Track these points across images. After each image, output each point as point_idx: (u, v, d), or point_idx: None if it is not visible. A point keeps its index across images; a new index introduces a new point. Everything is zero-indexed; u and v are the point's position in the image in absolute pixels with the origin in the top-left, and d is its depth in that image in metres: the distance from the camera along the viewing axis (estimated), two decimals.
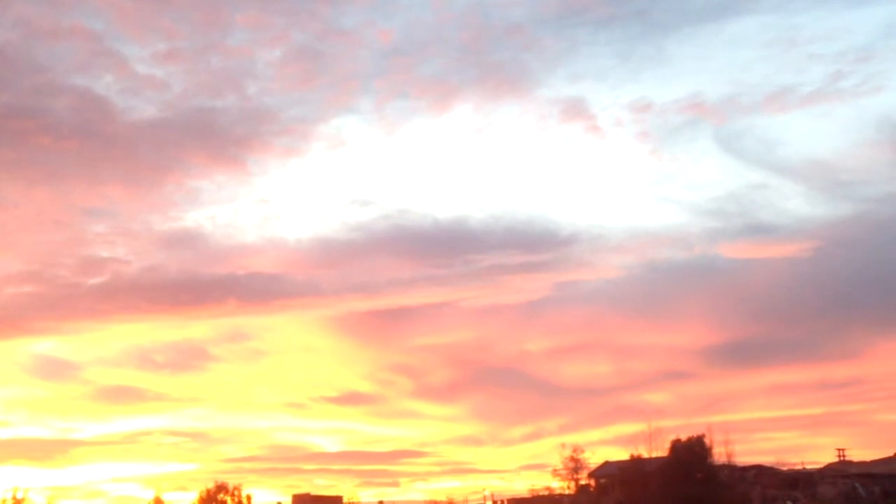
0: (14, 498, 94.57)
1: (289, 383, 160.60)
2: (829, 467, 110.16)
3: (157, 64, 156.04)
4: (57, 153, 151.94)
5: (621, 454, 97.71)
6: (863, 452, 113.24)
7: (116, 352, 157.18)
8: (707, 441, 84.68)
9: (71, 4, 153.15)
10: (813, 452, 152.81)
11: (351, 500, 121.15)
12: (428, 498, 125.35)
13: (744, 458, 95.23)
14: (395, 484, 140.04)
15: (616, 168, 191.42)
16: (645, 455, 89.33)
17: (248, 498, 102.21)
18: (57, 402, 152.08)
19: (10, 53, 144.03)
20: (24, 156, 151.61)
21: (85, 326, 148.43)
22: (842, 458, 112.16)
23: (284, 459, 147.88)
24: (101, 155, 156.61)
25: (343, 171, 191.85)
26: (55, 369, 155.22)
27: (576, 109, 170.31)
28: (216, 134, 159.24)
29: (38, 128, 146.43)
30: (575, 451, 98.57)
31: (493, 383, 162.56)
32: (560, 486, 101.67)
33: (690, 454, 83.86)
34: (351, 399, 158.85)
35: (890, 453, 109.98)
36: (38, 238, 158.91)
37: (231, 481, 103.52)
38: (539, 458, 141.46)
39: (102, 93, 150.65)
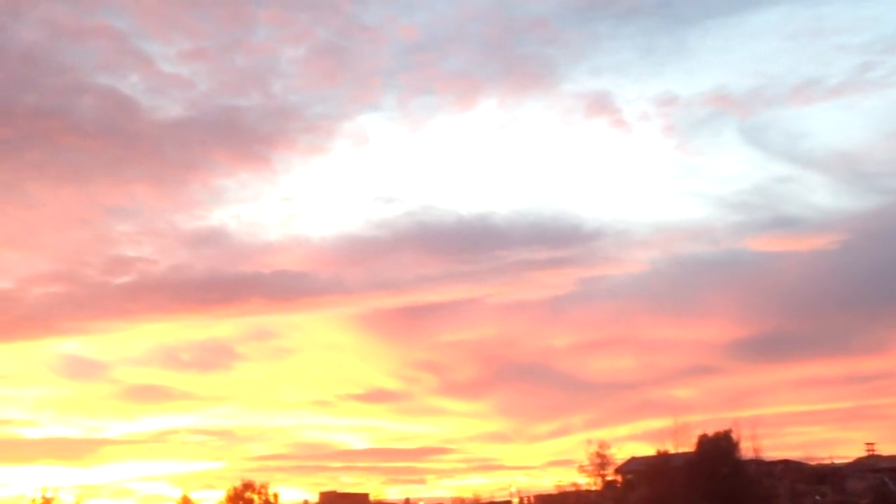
0: (43, 497, 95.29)
1: (315, 381, 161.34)
2: (858, 462, 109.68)
3: (181, 62, 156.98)
4: (83, 152, 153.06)
5: (648, 450, 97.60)
6: (892, 446, 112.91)
7: (143, 351, 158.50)
8: (734, 436, 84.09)
9: (96, 4, 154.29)
10: (841, 447, 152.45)
11: (377, 498, 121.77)
12: (454, 495, 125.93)
13: (771, 452, 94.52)
14: (422, 481, 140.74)
15: (641, 162, 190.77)
16: (671, 450, 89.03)
17: (275, 496, 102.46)
18: (85, 401, 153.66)
19: (36, 53, 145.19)
20: (50, 155, 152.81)
21: (112, 326, 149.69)
22: (871, 453, 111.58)
23: (311, 457, 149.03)
24: (126, 154, 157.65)
25: (367, 168, 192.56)
26: (83, 369, 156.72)
27: (601, 104, 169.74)
28: (241, 132, 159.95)
29: (63, 127, 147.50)
30: (601, 446, 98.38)
31: (519, 379, 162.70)
32: (586, 482, 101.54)
33: (717, 449, 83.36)
34: (377, 396, 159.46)
35: None
36: (64, 237, 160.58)
37: (258, 479, 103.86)
38: (565, 455, 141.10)
39: (128, 92, 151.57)
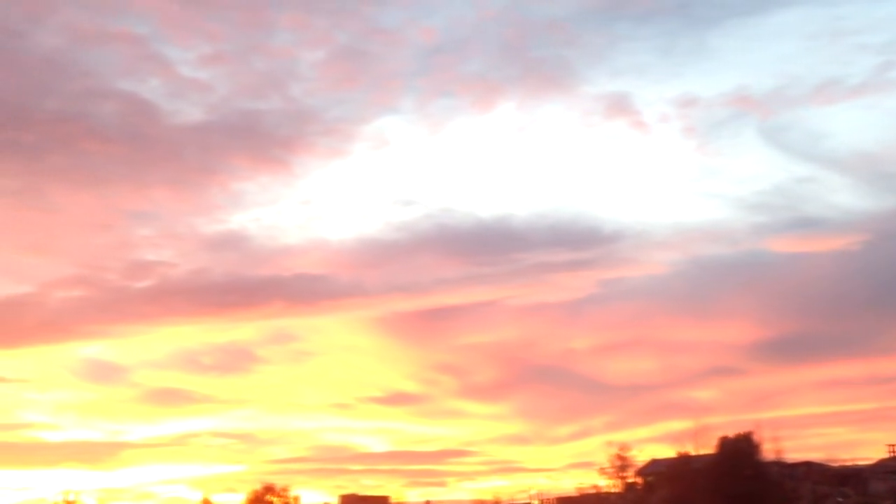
0: (66, 500, 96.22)
1: (334, 384, 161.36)
2: (881, 463, 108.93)
3: (201, 67, 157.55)
4: (104, 157, 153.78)
5: (668, 452, 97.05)
6: None
7: (164, 354, 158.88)
8: (755, 437, 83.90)
9: (116, 9, 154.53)
10: (863, 448, 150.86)
11: (398, 501, 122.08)
12: (475, 497, 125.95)
13: (793, 454, 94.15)
14: (442, 484, 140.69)
15: (661, 163, 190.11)
16: (692, 452, 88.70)
17: (296, 499, 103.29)
18: (106, 404, 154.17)
19: (58, 59, 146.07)
20: (71, 160, 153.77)
21: (133, 329, 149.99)
22: (893, 454, 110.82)
23: (331, 460, 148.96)
24: (146, 158, 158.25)
25: (386, 170, 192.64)
26: (104, 372, 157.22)
27: (620, 105, 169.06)
28: (260, 135, 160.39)
29: (85, 132, 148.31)
30: (622, 449, 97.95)
31: (539, 381, 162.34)
32: (607, 484, 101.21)
33: (738, 451, 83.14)
34: (397, 399, 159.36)
35: None
36: (86, 242, 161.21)
37: (279, 482, 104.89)
38: (586, 457, 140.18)
39: (148, 96, 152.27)
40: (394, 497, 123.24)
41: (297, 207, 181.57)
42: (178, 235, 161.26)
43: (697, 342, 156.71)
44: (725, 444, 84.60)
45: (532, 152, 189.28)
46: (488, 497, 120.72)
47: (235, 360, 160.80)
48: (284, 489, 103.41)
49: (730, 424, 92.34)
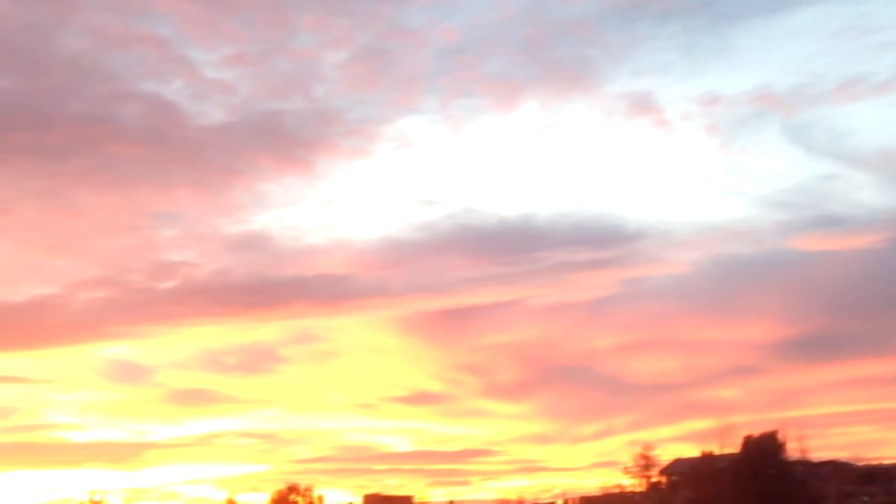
0: (91, 500, 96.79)
1: (358, 384, 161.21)
2: None
3: (224, 68, 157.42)
4: (128, 159, 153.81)
5: (692, 451, 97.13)
6: None
7: (188, 355, 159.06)
8: (780, 436, 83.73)
9: (140, 11, 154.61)
10: (889, 447, 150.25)
11: (421, 500, 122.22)
12: (498, 497, 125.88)
13: (818, 453, 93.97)
14: (466, 483, 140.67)
15: (684, 162, 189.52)
16: (716, 451, 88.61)
17: (320, 498, 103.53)
18: (131, 405, 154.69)
19: (82, 62, 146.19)
20: (96, 162, 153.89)
21: (157, 330, 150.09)
22: None
23: (355, 460, 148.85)
24: (170, 159, 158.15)
25: (409, 170, 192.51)
26: (129, 373, 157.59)
27: (643, 104, 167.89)
28: (283, 136, 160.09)
29: (109, 134, 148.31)
30: (645, 448, 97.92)
31: (562, 381, 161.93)
32: (631, 483, 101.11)
33: (763, 450, 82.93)
34: (420, 399, 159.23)
35: None
36: (110, 243, 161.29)
37: (302, 482, 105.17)
38: (609, 456, 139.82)
39: (171, 98, 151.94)
40: (417, 497, 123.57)
41: (320, 208, 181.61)
42: (201, 236, 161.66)
43: (721, 341, 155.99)
44: (749, 443, 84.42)
45: (554, 151, 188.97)
46: (512, 496, 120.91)
47: (259, 360, 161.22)
48: (308, 489, 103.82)
49: (754, 423, 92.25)
